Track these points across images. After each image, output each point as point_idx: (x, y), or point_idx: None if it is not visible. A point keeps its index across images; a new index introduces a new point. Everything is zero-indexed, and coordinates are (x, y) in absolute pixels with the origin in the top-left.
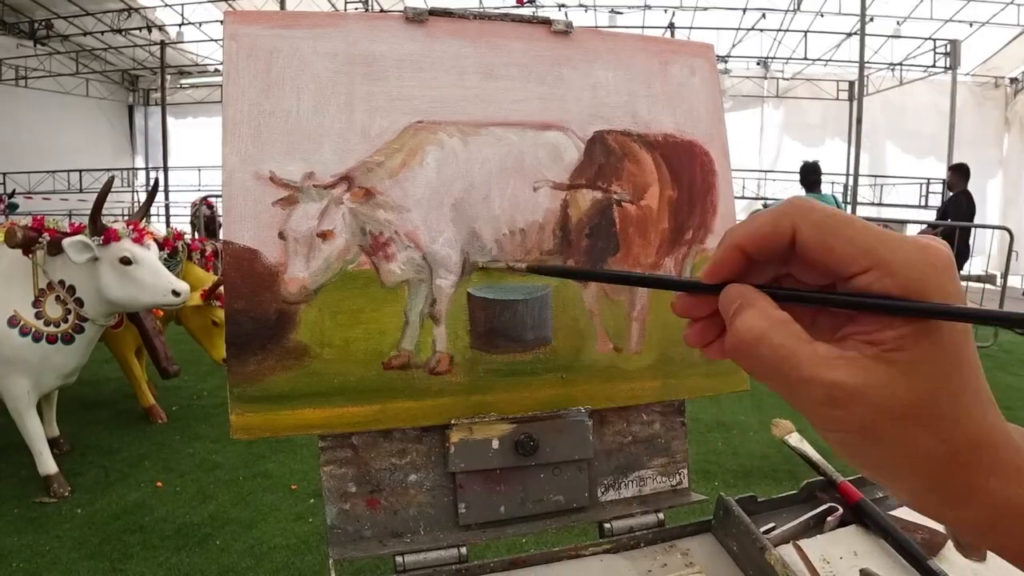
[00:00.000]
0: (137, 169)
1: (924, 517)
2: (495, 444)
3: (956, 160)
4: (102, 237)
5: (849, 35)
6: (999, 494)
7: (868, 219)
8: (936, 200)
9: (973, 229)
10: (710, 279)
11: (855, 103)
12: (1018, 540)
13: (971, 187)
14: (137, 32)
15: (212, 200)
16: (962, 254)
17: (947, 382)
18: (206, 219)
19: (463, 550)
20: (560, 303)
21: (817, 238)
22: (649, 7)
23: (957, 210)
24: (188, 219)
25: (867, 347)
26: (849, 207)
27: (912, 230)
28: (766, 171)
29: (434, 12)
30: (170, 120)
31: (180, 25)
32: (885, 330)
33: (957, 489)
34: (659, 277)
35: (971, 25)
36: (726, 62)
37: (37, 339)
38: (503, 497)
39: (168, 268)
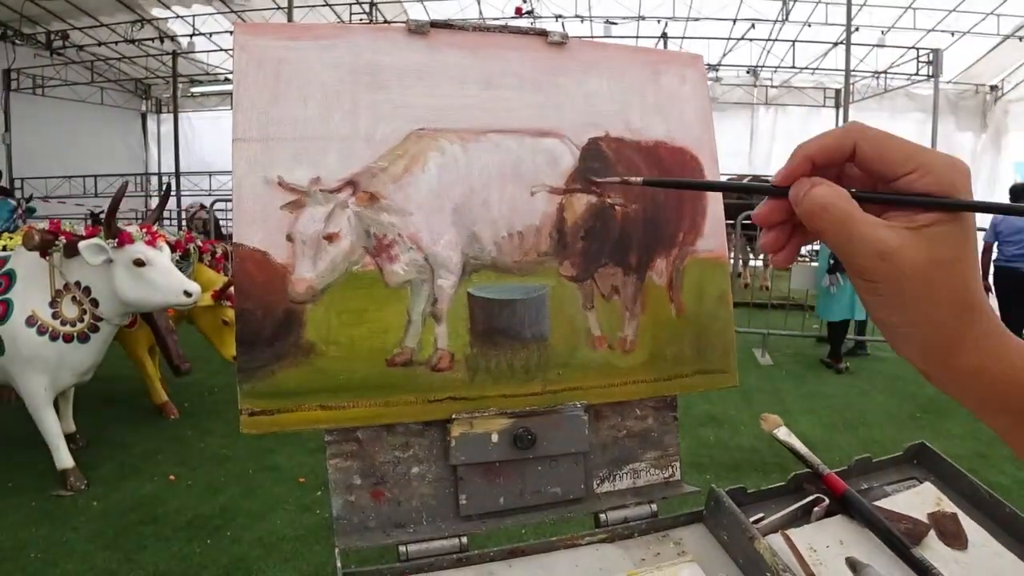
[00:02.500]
0: (150, 174)
1: (906, 506)
2: (494, 438)
3: None
4: (116, 240)
5: (835, 44)
6: (984, 344)
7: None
8: None
9: None
10: (784, 182)
11: (841, 110)
12: (994, 389)
13: None
14: (150, 43)
15: (205, 204)
16: None
17: (961, 253)
18: (203, 221)
19: (464, 540)
20: (556, 303)
21: (874, 148)
22: (643, 18)
23: None
24: (185, 223)
25: (907, 222)
26: None
27: None
28: (756, 175)
29: (435, 24)
30: (181, 127)
31: (191, 36)
32: (920, 213)
33: (955, 338)
34: (746, 185)
35: (952, 35)
36: (717, 70)
37: (54, 338)
38: (502, 489)
39: (180, 269)
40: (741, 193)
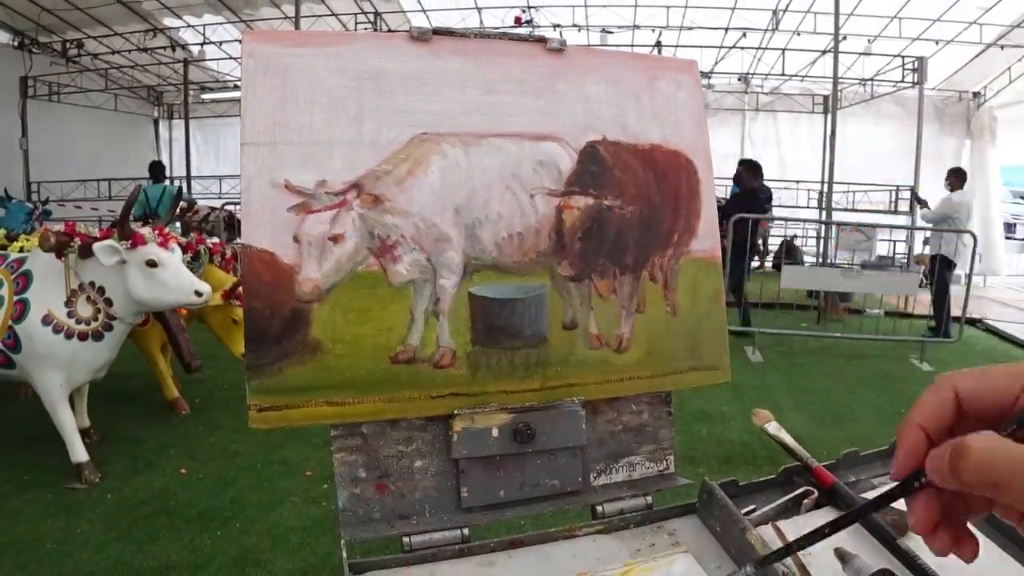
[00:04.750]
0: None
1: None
2: (495, 432)
3: (924, 169)
4: (130, 241)
5: (824, 53)
6: None
7: (842, 223)
8: (904, 205)
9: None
10: (908, 468)
11: (829, 116)
12: None
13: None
14: (162, 51)
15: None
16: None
17: None
18: (197, 220)
19: (465, 531)
20: (555, 302)
21: (976, 384)
22: (638, 27)
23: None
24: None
25: None
26: (824, 212)
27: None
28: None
29: (438, 31)
30: (192, 132)
31: (202, 44)
32: None
33: None
34: (881, 497)
35: (937, 43)
36: (709, 78)
37: (69, 336)
38: (502, 482)
39: (191, 270)
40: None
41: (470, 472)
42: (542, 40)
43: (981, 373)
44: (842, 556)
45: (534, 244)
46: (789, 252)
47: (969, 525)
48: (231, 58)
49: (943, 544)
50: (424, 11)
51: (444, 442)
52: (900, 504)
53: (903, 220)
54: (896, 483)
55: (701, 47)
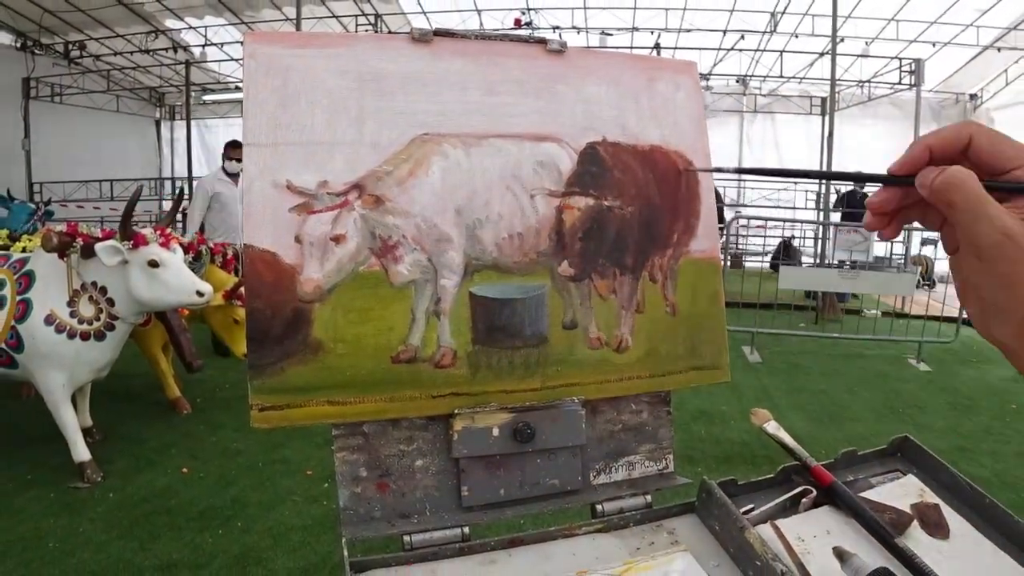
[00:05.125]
0: (164, 179)
1: (890, 497)
2: (495, 432)
3: None
4: (131, 242)
5: (821, 55)
6: None
7: (840, 224)
8: None
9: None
10: (903, 170)
11: (827, 117)
12: None
13: None
14: (164, 52)
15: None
16: None
17: None
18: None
19: (466, 530)
20: (555, 302)
21: (989, 141)
22: (637, 29)
23: None
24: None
25: (1020, 213)
26: (822, 214)
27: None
28: (745, 180)
29: (438, 32)
30: (194, 133)
31: (203, 46)
32: None
33: None
34: (865, 175)
35: (934, 45)
36: (708, 80)
37: (71, 336)
38: (503, 481)
39: (192, 270)
40: (860, 182)
41: (470, 471)
42: (542, 42)
43: (998, 137)
44: (840, 555)
45: (534, 244)
46: (787, 252)
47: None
48: (232, 59)
49: (875, 222)
50: (424, 13)
51: (445, 441)
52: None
53: None
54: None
55: (700, 49)
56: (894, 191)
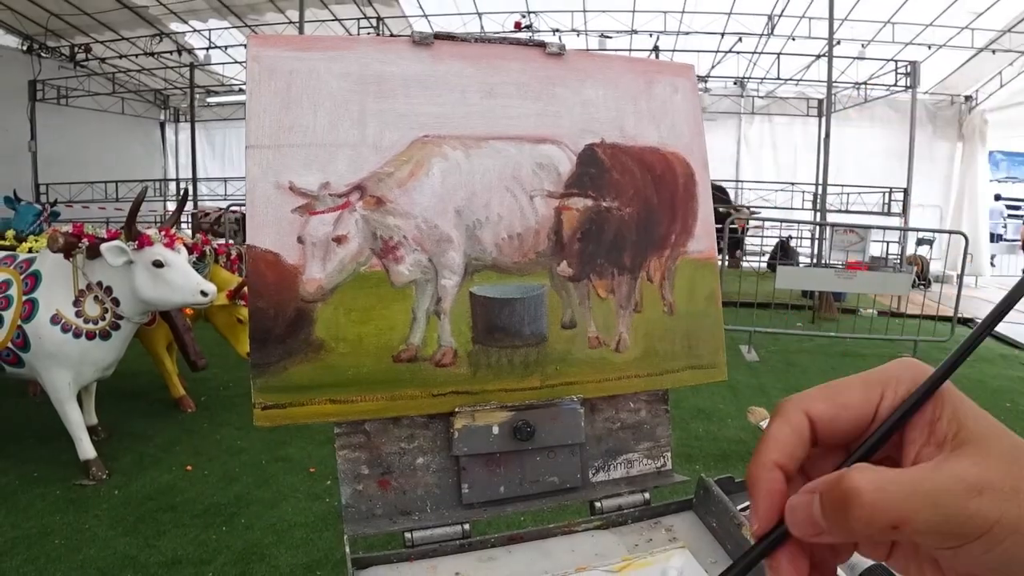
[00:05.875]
0: (168, 180)
1: None
2: (495, 430)
3: (916, 171)
4: (136, 242)
5: (818, 57)
6: None
7: (836, 225)
8: (897, 207)
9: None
10: (770, 521)
11: (824, 119)
12: None
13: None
14: (168, 55)
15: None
16: None
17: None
18: (208, 222)
19: (466, 527)
20: (554, 302)
21: (829, 409)
22: (636, 32)
23: None
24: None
25: (935, 450)
26: (819, 214)
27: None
28: (743, 181)
29: (439, 36)
30: (198, 135)
31: (207, 49)
32: (938, 427)
33: None
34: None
35: (929, 48)
36: (706, 82)
37: (77, 335)
38: (502, 478)
39: (197, 270)
40: None
41: (471, 469)
42: (541, 45)
43: (830, 391)
44: None
45: (534, 245)
46: (784, 253)
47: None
48: (236, 62)
49: None
50: (426, 16)
51: (445, 439)
52: None
53: (896, 221)
54: (757, 540)
55: (698, 52)
56: (791, 553)
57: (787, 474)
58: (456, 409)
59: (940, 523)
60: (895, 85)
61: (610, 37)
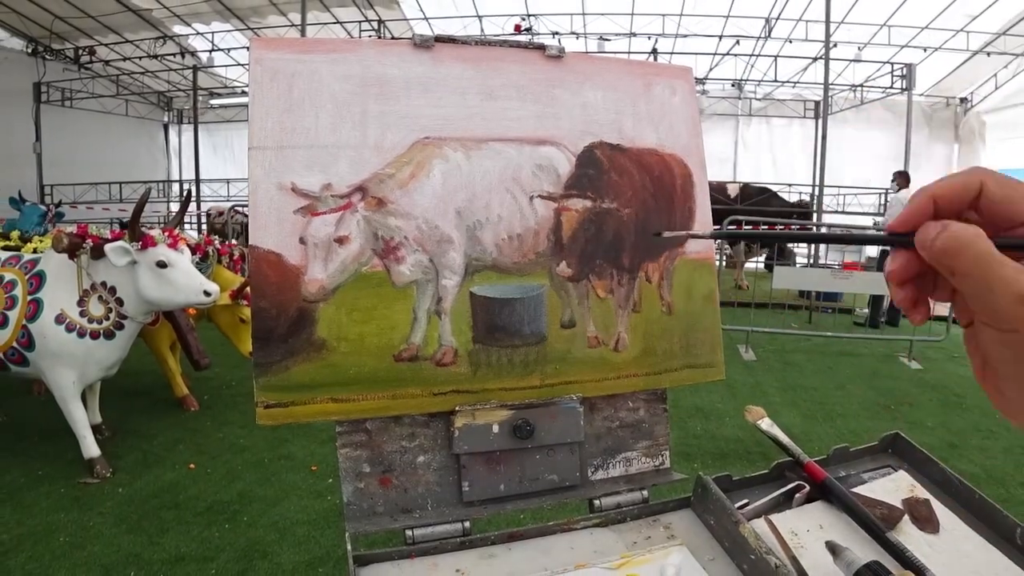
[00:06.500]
0: (172, 181)
1: (882, 492)
2: (495, 428)
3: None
4: (140, 243)
5: (815, 60)
6: None
7: (831, 226)
8: None
9: None
10: (905, 227)
11: (820, 121)
12: None
13: None
14: (171, 58)
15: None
16: None
17: None
18: (219, 225)
19: (467, 524)
20: (554, 301)
21: (1002, 191)
22: (634, 35)
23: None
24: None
25: None
26: (816, 215)
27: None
28: (740, 182)
29: (440, 39)
30: (201, 136)
31: (210, 51)
32: None
33: None
34: (869, 235)
35: (925, 50)
36: (704, 84)
37: (81, 335)
38: (503, 476)
39: (200, 271)
40: (862, 244)
41: (471, 467)
42: (541, 47)
43: (1010, 184)
44: (833, 549)
45: (533, 245)
46: (781, 253)
47: (930, 303)
48: (239, 64)
49: (904, 298)
50: (427, 19)
51: (446, 438)
52: (890, 499)
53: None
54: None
55: (696, 54)
56: (910, 256)
57: (938, 208)
58: (456, 408)
59: (980, 295)
60: (891, 87)
61: (609, 40)
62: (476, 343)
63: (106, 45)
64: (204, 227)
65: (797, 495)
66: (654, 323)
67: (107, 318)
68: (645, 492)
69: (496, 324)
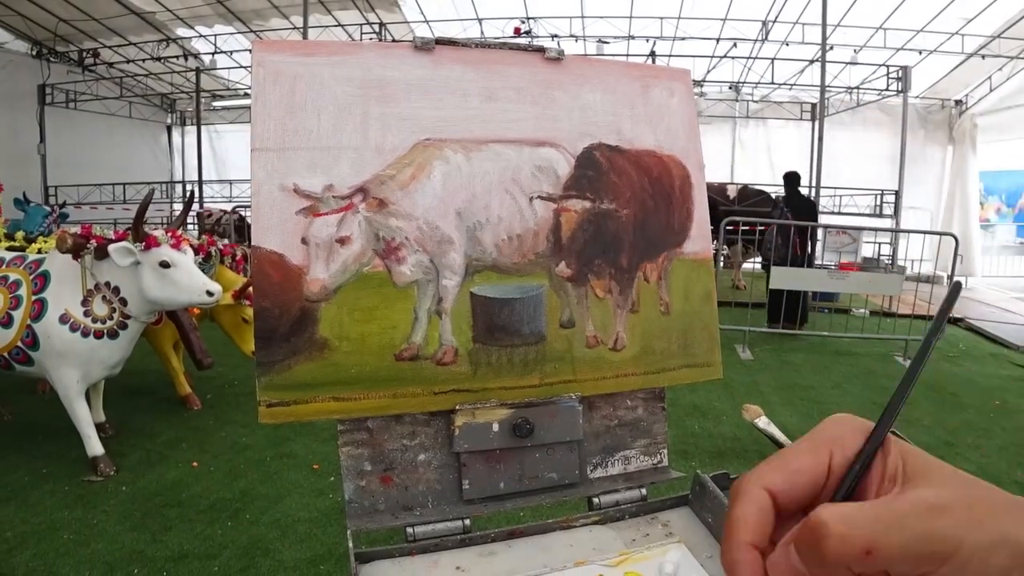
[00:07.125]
0: (175, 182)
1: None
2: (495, 427)
3: (908, 174)
4: (143, 243)
5: (811, 62)
6: None
7: (829, 226)
8: (889, 209)
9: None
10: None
11: (817, 123)
12: None
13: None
14: (175, 60)
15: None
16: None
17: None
18: (211, 224)
19: (467, 522)
20: (553, 301)
21: (784, 483)
22: (633, 37)
23: (801, 207)
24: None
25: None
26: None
27: (868, 235)
28: (739, 183)
29: (440, 41)
30: (204, 138)
31: (213, 53)
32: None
33: None
34: None
35: (920, 53)
36: (701, 86)
37: (85, 335)
38: (502, 474)
39: (202, 271)
40: None
41: (471, 465)
42: (541, 50)
43: (782, 461)
44: None
45: (533, 246)
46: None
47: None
48: (241, 67)
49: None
50: (427, 22)
51: (446, 436)
52: None
53: (888, 223)
54: None
55: (693, 56)
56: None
57: (762, 552)
58: (457, 407)
59: (910, 544)
60: (887, 90)
61: (608, 42)
62: (476, 343)
63: (110, 47)
64: (196, 228)
65: None
66: (652, 323)
67: (111, 318)
68: (643, 490)
69: (496, 324)
